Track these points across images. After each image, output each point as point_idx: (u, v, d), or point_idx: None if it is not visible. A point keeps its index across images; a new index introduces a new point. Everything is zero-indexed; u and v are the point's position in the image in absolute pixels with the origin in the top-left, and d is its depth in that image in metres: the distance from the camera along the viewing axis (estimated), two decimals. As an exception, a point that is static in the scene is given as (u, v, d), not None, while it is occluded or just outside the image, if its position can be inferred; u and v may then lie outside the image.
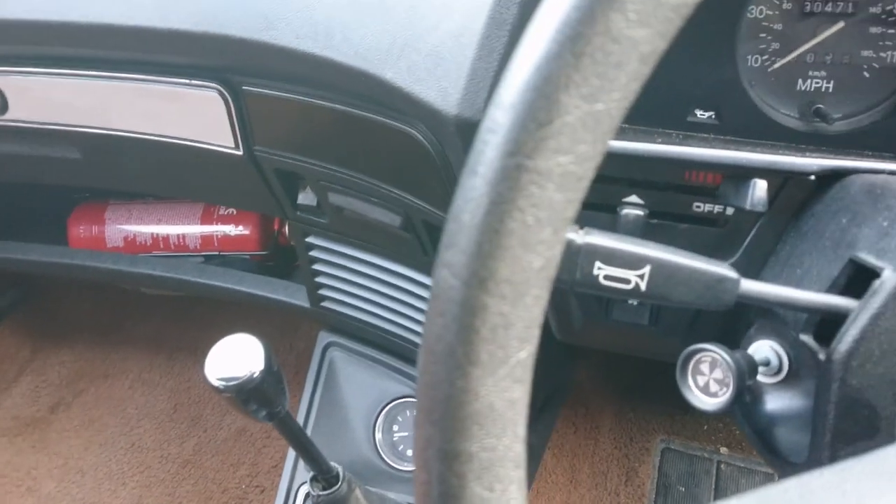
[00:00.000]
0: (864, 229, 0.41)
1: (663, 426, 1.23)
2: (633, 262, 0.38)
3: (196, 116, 0.86)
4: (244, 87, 0.81)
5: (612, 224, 0.55)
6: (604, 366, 1.29)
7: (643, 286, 0.38)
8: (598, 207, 0.56)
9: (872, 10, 0.61)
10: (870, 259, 0.39)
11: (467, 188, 0.24)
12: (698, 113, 0.66)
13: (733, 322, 0.56)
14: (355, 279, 0.97)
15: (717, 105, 0.65)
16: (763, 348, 0.50)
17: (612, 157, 0.56)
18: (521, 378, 0.25)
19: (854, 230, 0.43)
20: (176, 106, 0.86)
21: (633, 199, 0.56)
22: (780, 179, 0.51)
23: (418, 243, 0.84)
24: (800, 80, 0.65)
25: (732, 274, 0.38)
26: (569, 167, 0.23)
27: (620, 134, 0.55)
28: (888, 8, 0.61)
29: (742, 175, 0.51)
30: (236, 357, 0.59)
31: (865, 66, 0.63)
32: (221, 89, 0.82)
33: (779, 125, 0.64)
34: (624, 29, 0.22)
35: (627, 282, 0.38)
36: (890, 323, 0.35)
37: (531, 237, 0.24)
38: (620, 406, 1.25)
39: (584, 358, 1.27)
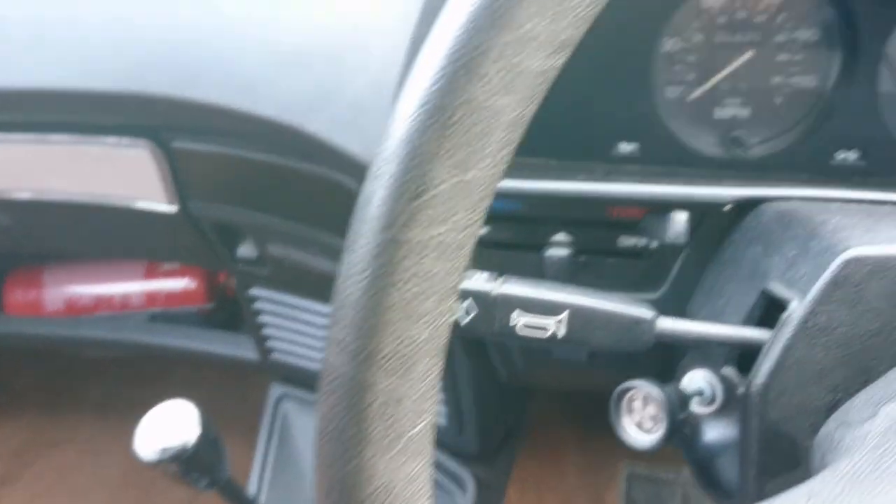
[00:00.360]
0: (775, 259, 0.42)
1: (627, 451, 1.23)
2: (550, 308, 0.38)
3: (127, 176, 0.85)
4: (174, 144, 0.80)
5: (540, 264, 0.55)
6: (561, 395, 1.29)
7: (561, 333, 0.38)
8: (526, 248, 0.56)
9: (778, 38, 0.63)
10: (780, 290, 0.39)
11: (348, 264, 0.24)
12: (622, 146, 0.67)
13: (670, 353, 0.57)
14: (302, 328, 0.95)
15: (640, 138, 0.66)
16: (697, 378, 0.50)
17: (536, 199, 0.57)
18: (419, 451, 0.25)
19: (766, 260, 0.43)
20: (105, 166, 0.85)
21: (560, 237, 0.56)
22: (700, 211, 0.52)
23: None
24: (717, 109, 0.67)
25: (648, 315, 0.38)
26: (446, 237, 0.23)
27: (542, 173, 0.56)
28: (792, 36, 0.63)
29: (661, 209, 0.52)
30: (169, 425, 0.57)
31: (778, 92, 0.65)
32: (152, 147, 0.81)
33: (700, 154, 0.66)
34: (486, 98, 0.22)
35: (545, 329, 0.38)
36: (801, 353, 0.36)
37: (414, 310, 0.23)
38: (582, 434, 1.24)
39: (540, 390, 1.27)
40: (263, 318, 0.98)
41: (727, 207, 0.51)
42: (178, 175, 0.83)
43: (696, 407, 0.49)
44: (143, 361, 1.42)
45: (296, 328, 0.96)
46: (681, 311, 0.54)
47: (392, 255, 0.23)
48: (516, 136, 0.23)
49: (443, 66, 0.22)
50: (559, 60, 0.23)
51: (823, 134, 0.62)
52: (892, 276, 0.35)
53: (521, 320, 0.38)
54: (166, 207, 0.86)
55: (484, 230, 0.57)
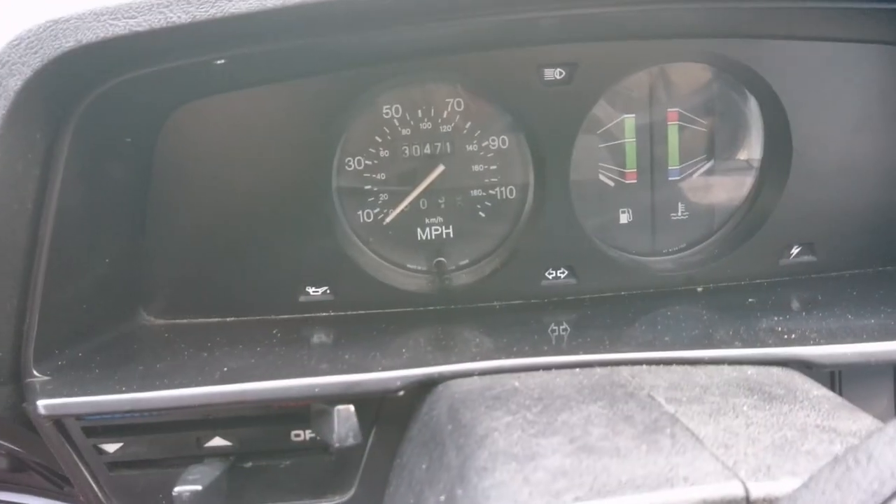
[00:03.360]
0: (430, 499, 0.32)
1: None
2: None
3: None
4: None
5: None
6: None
7: None
8: (170, 463, 0.43)
9: (469, 148, 0.56)
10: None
11: None
12: (310, 290, 0.56)
13: None
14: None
15: (330, 279, 0.55)
16: None
17: (175, 408, 0.42)
18: None
19: (426, 493, 0.33)
20: None
21: (216, 441, 0.43)
22: (371, 400, 0.41)
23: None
24: (419, 230, 0.58)
25: None
26: None
27: (172, 379, 0.42)
28: (484, 144, 0.56)
29: (326, 401, 0.41)
30: None
31: (479, 206, 0.57)
32: None
33: (399, 290, 0.56)
34: None
35: None
36: None
37: None
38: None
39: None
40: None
41: (400, 393, 0.40)
42: None
43: None
44: None
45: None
46: (376, 515, 0.43)
47: None
48: None
49: None
50: None
51: (530, 253, 0.56)
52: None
53: None
54: None
55: (113, 448, 0.43)
